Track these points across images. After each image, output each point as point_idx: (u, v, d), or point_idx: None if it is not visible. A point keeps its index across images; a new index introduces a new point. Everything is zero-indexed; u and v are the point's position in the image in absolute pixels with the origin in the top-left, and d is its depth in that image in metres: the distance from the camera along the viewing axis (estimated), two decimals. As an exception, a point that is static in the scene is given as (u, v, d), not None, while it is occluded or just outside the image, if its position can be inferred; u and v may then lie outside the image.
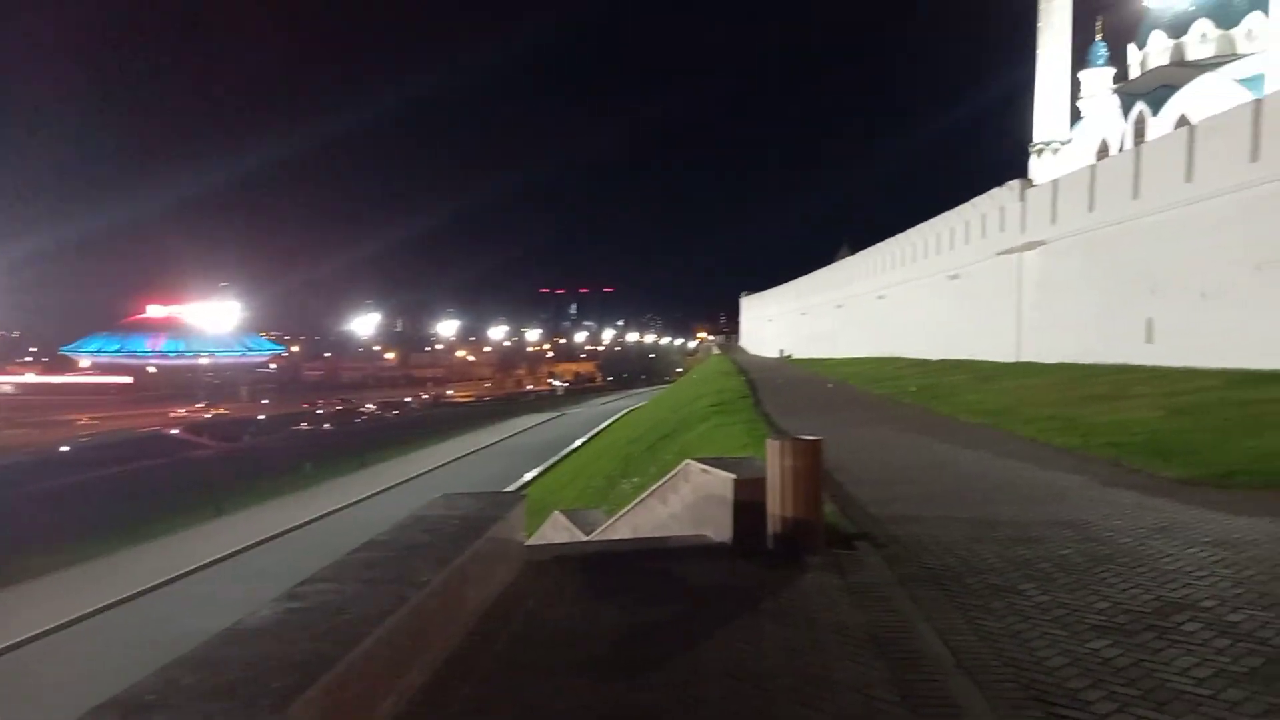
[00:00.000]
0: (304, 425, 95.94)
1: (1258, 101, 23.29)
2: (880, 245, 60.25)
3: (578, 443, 58.81)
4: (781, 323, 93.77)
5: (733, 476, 7.54)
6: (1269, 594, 5.89)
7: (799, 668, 4.69)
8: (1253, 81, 52.11)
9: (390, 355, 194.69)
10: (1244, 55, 57.95)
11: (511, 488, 40.78)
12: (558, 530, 18.60)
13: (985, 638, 5.23)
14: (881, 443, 16.19)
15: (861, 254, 66.08)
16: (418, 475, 54.40)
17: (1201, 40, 61.81)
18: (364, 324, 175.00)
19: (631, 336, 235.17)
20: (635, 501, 12.26)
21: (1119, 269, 28.60)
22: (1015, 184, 40.23)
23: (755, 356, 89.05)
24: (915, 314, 49.97)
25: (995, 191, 42.97)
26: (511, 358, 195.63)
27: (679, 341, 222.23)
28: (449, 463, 61.05)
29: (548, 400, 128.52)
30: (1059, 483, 10.97)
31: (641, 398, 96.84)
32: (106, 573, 33.39)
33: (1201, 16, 62.07)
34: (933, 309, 46.83)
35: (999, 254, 37.58)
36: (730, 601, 6.03)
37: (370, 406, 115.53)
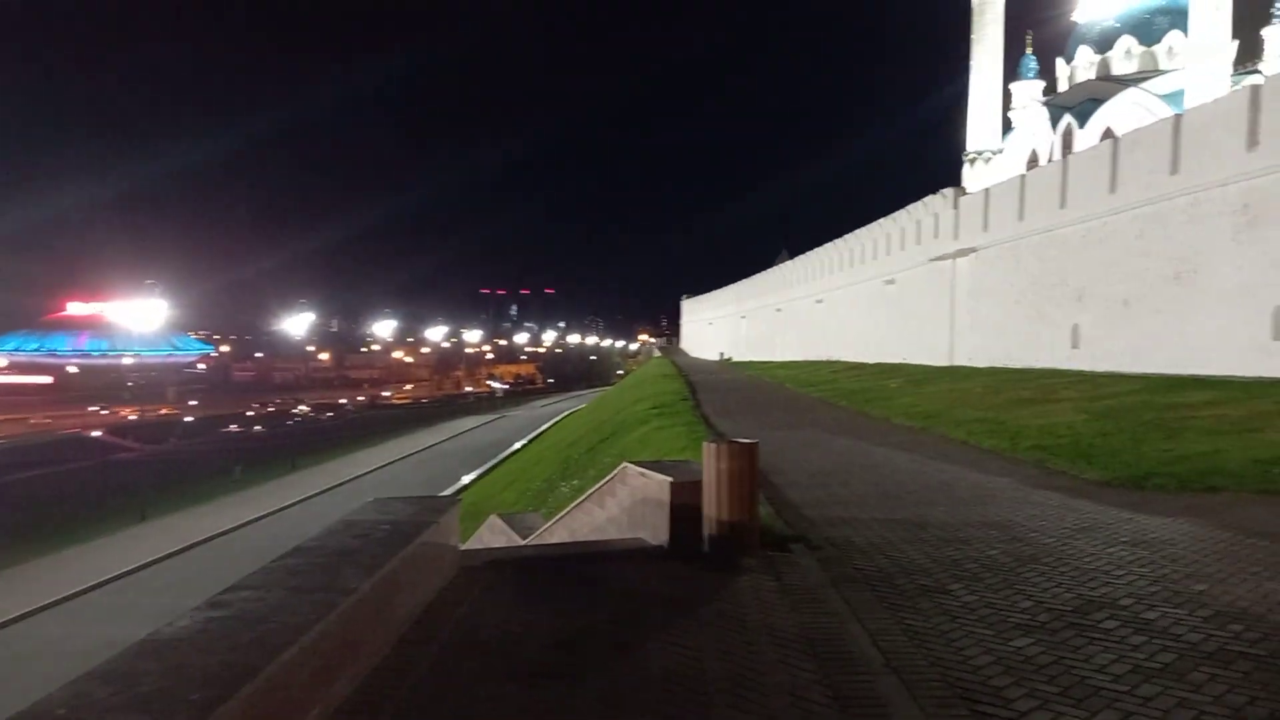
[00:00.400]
0: (234, 427, 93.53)
1: (1177, 117, 24.21)
2: (818, 250, 61.15)
3: (517, 445, 58.46)
4: (721, 325, 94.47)
5: (669, 479, 7.56)
6: (1182, 592, 6.12)
7: (733, 671, 4.72)
8: (1173, 97, 54.21)
9: (324, 356, 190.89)
10: (1165, 71, 60.30)
11: (449, 491, 40.35)
12: (495, 534, 18.45)
13: (914, 638, 5.32)
14: (817, 445, 16.40)
15: (800, 259, 66.99)
16: (351, 479, 53.45)
17: (1126, 56, 64.10)
18: (297, 324, 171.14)
19: (573, 338, 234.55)
20: (573, 505, 12.21)
21: (1047, 276, 29.47)
22: (949, 192, 41.24)
23: (696, 359, 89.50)
24: (852, 318, 50.79)
25: (930, 199, 43.98)
26: (450, 359, 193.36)
27: (621, 343, 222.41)
28: (384, 466, 60.12)
29: (487, 402, 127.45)
30: (987, 484, 11.24)
31: (582, 400, 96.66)
32: (24, 580, 32.10)
33: (1125, 33, 64.40)
34: (869, 313, 47.65)
35: (933, 260, 38.42)
36: (666, 605, 6.04)
37: (304, 408, 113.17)
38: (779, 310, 69.01)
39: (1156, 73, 60.70)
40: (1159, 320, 23.58)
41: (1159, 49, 62.59)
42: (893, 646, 5.15)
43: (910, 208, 46.53)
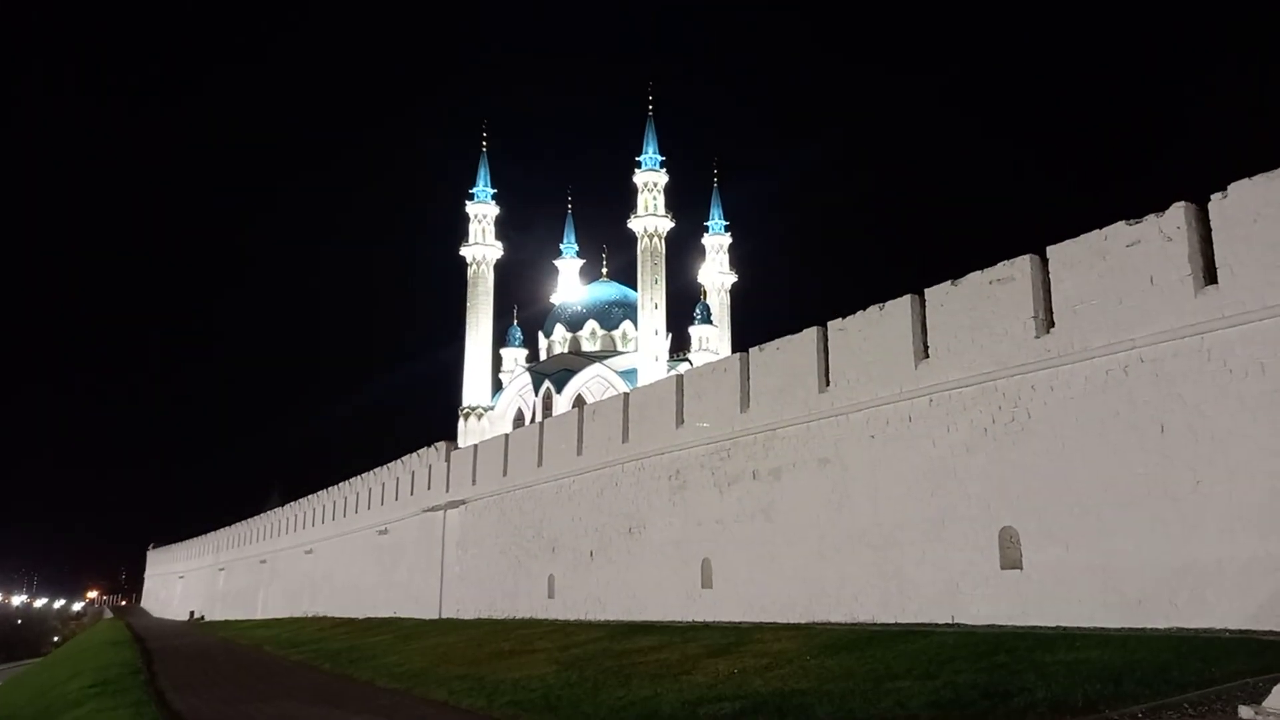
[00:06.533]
0: None
1: (626, 395, 28.81)
2: (310, 498, 58.95)
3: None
4: (196, 579, 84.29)
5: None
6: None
7: None
8: (629, 374, 64.62)
9: None
10: (622, 352, 72.18)
11: None
12: None
13: None
14: (289, 719, 15.08)
15: (288, 507, 63.84)
16: None
17: (591, 337, 75.65)
18: None
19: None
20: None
21: (527, 529, 31.76)
22: (442, 445, 43.27)
23: (161, 620, 77.98)
24: (344, 570, 48.98)
25: (423, 451, 45.64)
26: None
27: (62, 603, 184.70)
28: None
29: None
30: (460, 750, 11.25)
31: (-4, 678, 76.94)
32: None
33: (591, 318, 76.53)
34: (362, 565, 46.42)
35: (425, 511, 39.23)
36: None
37: None
38: (264, 562, 63.94)
39: (615, 353, 72.42)
40: (616, 570, 26.55)
41: (616, 334, 75.13)
42: None
43: (405, 458, 47.69)
